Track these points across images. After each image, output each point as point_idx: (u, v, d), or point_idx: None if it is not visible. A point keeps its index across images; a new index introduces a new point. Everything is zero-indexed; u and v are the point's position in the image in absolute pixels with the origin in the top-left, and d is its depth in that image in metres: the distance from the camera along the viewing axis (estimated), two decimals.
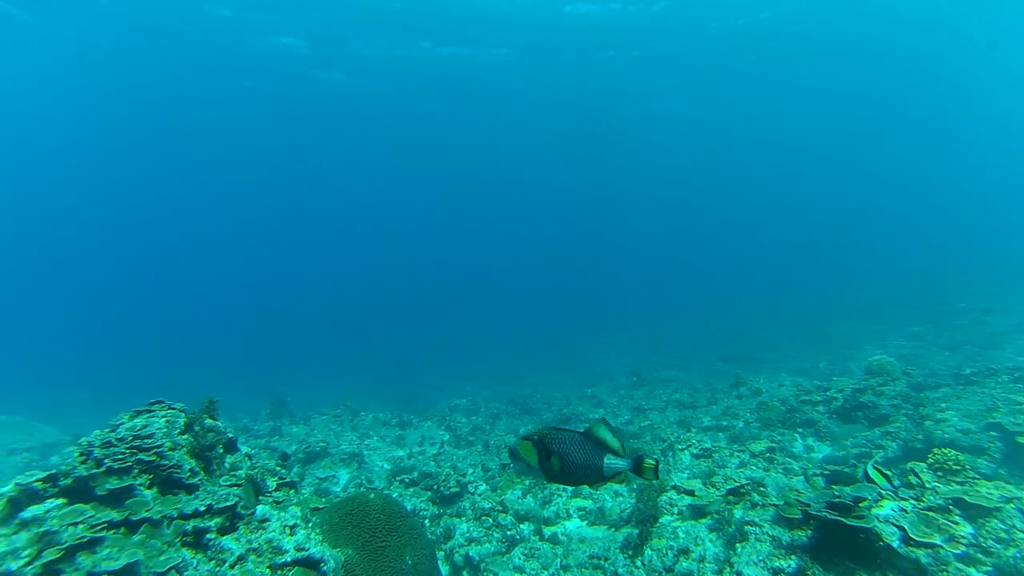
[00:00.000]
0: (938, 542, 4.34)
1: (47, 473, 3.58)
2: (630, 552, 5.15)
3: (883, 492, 4.97)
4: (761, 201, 74.02)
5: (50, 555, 2.88)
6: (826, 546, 4.47)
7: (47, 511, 3.24)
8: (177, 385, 4.49)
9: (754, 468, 7.58)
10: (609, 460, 2.42)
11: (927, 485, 5.13)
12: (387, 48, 28.01)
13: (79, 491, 3.67)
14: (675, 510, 5.50)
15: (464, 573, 6.20)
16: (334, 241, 74.97)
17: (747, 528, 5.05)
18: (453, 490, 7.67)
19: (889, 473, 4.84)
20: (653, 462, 2.40)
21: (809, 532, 4.75)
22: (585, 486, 2.60)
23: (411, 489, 8.13)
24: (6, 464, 10.06)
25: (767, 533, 4.92)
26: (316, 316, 63.83)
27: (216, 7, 23.76)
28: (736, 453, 8.02)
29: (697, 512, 5.39)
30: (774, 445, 8.31)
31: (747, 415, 10.58)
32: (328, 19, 24.94)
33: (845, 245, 59.40)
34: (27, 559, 2.86)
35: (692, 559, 4.88)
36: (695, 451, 8.11)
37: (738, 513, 5.32)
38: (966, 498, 4.75)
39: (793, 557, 4.58)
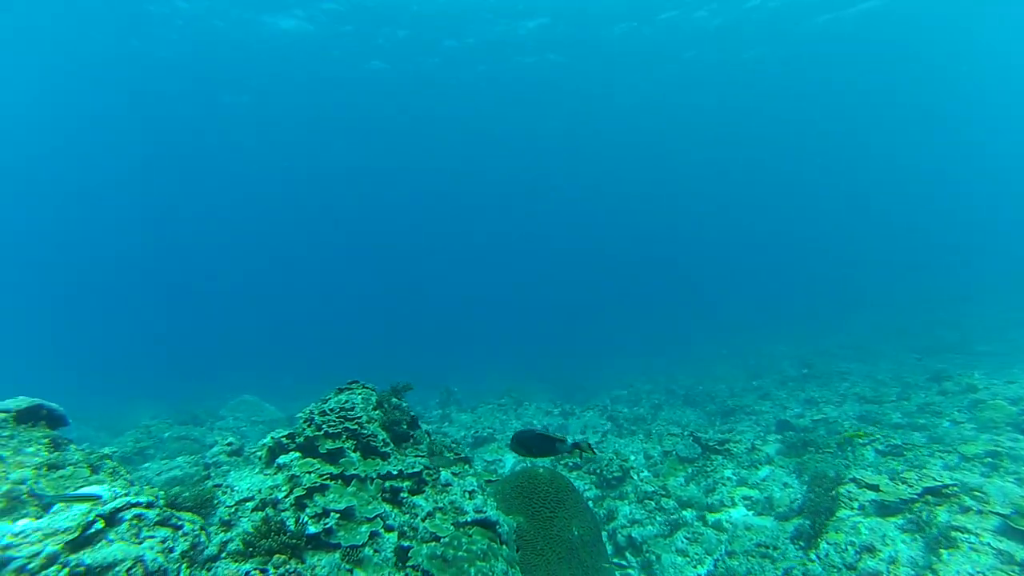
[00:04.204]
0: None
1: (289, 431, 4.54)
2: (802, 543, 4.80)
3: None
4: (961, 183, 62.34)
5: (298, 492, 3.71)
6: None
7: (291, 460, 4.13)
8: (358, 378, 5.40)
9: (967, 472, 6.49)
10: (558, 444, 3.97)
11: None
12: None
13: (307, 448, 4.59)
14: (855, 504, 5.00)
15: (627, 553, 6.31)
16: (503, 244, 78.87)
17: (956, 535, 4.47)
18: (616, 475, 7.80)
19: None
20: (587, 442, 4.09)
21: None
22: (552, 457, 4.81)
23: (575, 473, 8.42)
24: (252, 430, 12.89)
25: (988, 544, 4.29)
26: (482, 314, 68.22)
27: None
28: (939, 454, 6.96)
29: (883, 509, 4.85)
30: (1000, 450, 6.97)
31: (955, 414, 9.09)
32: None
33: None
34: (285, 492, 3.73)
35: (880, 559, 4.43)
36: (881, 447, 7.19)
37: (942, 516, 4.71)
38: None
39: None
